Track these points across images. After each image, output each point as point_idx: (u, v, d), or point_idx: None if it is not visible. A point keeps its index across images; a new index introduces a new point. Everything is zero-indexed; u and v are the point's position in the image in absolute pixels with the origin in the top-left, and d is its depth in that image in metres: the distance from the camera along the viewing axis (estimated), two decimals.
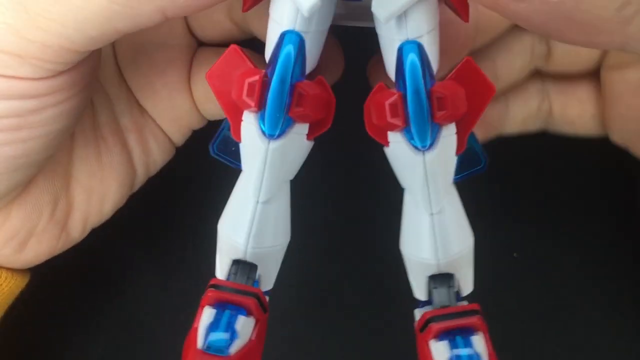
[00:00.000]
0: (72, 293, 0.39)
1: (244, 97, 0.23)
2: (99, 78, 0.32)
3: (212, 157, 0.37)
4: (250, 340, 0.24)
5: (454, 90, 0.22)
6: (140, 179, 0.34)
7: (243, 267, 0.26)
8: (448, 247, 0.25)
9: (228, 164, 0.26)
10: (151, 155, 0.34)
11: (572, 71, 0.32)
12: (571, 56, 0.31)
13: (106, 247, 0.39)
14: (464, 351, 0.23)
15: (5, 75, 0.24)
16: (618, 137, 0.33)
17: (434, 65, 0.23)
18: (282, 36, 0.23)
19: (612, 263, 0.38)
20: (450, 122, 0.23)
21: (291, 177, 0.25)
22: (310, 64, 0.24)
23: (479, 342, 0.24)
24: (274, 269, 0.27)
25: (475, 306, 0.25)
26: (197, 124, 0.34)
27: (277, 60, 0.23)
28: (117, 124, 0.33)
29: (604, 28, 0.20)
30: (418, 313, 0.26)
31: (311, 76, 0.24)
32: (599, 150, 0.34)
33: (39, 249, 0.31)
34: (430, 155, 0.23)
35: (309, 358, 0.38)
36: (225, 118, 0.25)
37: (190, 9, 0.23)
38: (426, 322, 0.24)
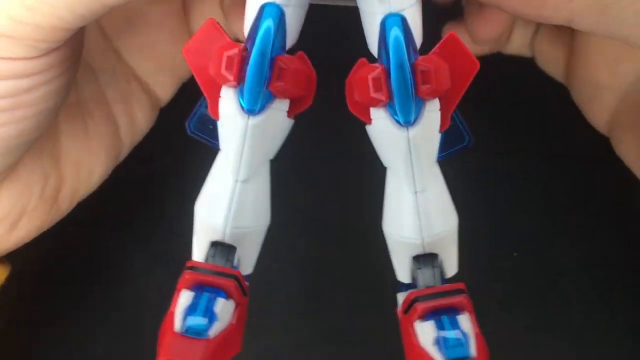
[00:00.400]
0: (71, 293, 0.39)
1: (223, 70, 0.22)
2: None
3: (212, 160, 0.37)
4: (230, 324, 0.23)
5: (438, 64, 0.22)
6: (126, 147, 0.35)
7: (222, 249, 0.25)
8: (432, 226, 0.24)
9: (205, 142, 0.25)
10: (137, 123, 0.35)
11: None
12: None
13: (106, 247, 0.40)
14: (450, 332, 0.23)
15: (0, 57, 0.25)
16: (574, 96, 0.33)
17: (418, 39, 0.23)
18: (262, 9, 0.22)
19: (612, 262, 0.38)
20: (434, 97, 0.22)
21: (271, 156, 0.25)
22: (290, 39, 0.23)
23: (465, 321, 0.23)
24: (254, 252, 0.26)
25: (460, 285, 0.24)
26: (189, 73, 0.35)
27: (256, 33, 0.22)
28: (103, 96, 0.33)
29: (550, 3, 0.20)
30: (400, 297, 0.25)
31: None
32: (598, 151, 0.34)
33: (30, 226, 0.31)
34: (413, 131, 0.23)
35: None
36: (202, 96, 0.24)
37: None
38: (411, 302, 0.24)
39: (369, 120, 0.24)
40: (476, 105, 0.39)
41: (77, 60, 0.28)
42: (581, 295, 0.38)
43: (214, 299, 0.23)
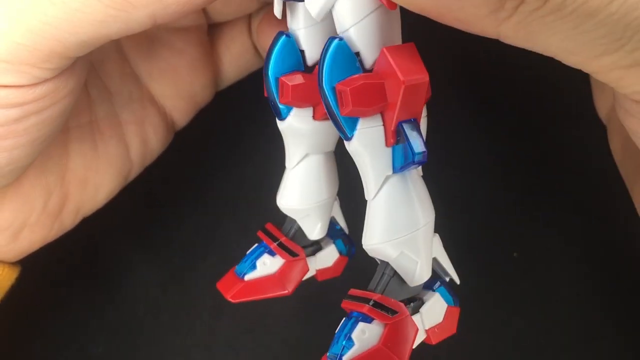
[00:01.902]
0: (72, 293, 0.40)
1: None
2: (99, 74, 0.33)
3: (211, 160, 0.37)
4: (270, 274, 0.31)
5: (359, 84, 0.23)
6: (136, 168, 0.36)
7: (289, 219, 0.32)
8: (370, 235, 0.25)
9: None
10: (149, 145, 0.36)
11: None
12: None
13: (106, 247, 0.40)
14: (341, 333, 0.25)
15: None
16: (591, 82, 0.33)
17: (371, 53, 0.24)
18: (275, 37, 0.27)
19: (612, 263, 0.38)
20: (361, 116, 0.23)
21: (320, 150, 0.29)
22: (313, 53, 0.27)
23: (360, 329, 0.24)
24: (313, 224, 0.31)
25: (377, 297, 0.25)
26: (207, 100, 0.38)
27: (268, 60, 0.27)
28: (116, 118, 0.34)
29: (479, 23, 0.21)
30: None
31: None
32: (598, 151, 0.35)
33: (33, 238, 0.32)
34: (351, 145, 0.24)
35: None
36: None
37: (177, 14, 0.25)
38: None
39: None
40: (477, 107, 0.40)
41: (74, 91, 0.28)
42: (581, 295, 0.38)
43: (262, 253, 0.31)
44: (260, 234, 0.32)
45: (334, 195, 0.31)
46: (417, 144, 0.23)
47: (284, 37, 0.26)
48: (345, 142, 0.24)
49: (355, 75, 0.23)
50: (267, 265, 0.31)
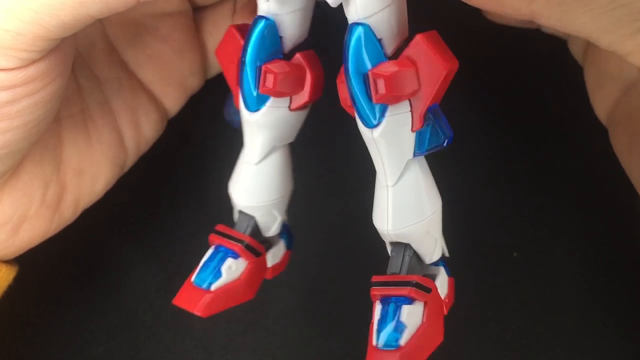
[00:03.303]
0: (72, 293, 0.40)
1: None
2: (87, 63, 0.34)
3: (210, 160, 0.38)
4: (236, 279, 0.28)
5: (395, 71, 0.23)
6: (132, 157, 0.36)
7: (242, 217, 0.30)
8: (399, 219, 0.25)
9: (236, 127, 0.29)
10: (143, 133, 0.36)
11: None
12: None
13: (106, 247, 0.40)
14: (387, 320, 0.24)
15: None
16: (586, 82, 0.33)
17: (391, 41, 0.24)
18: (254, 21, 0.25)
19: (612, 262, 0.39)
20: (393, 102, 0.24)
21: (282, 143, 0.28)
22: (291, 40, 0.26)
23: (407, 312, 0.24)
24: (272, 221, 0.30)
25: (413, 277, 0.25)
26: (197, 86, 0.37)
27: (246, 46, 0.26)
28: (108, 106, 0.35)
29: (510, 1, 0.21)
30: None
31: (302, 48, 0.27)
32: (599, 151, 0.35)
33: (33, 232, 0.32)
34: (377, 132, 0.24)
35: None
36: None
37: None
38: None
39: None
40: (477, 106, 0.40)
41: (63, 73, 0.28)
42: (581, 295, 0.38)
43: (225, 258, 0.29)
44: (213, 237, 0.30)
45: (293, 187, 0.31)
46: (447, 127, 0.24)
47: (263, 21, 0.25)
48: (366, 130, 0.24)
49: (386, 62, 0.23)
50: (233, 269, 0.29)
